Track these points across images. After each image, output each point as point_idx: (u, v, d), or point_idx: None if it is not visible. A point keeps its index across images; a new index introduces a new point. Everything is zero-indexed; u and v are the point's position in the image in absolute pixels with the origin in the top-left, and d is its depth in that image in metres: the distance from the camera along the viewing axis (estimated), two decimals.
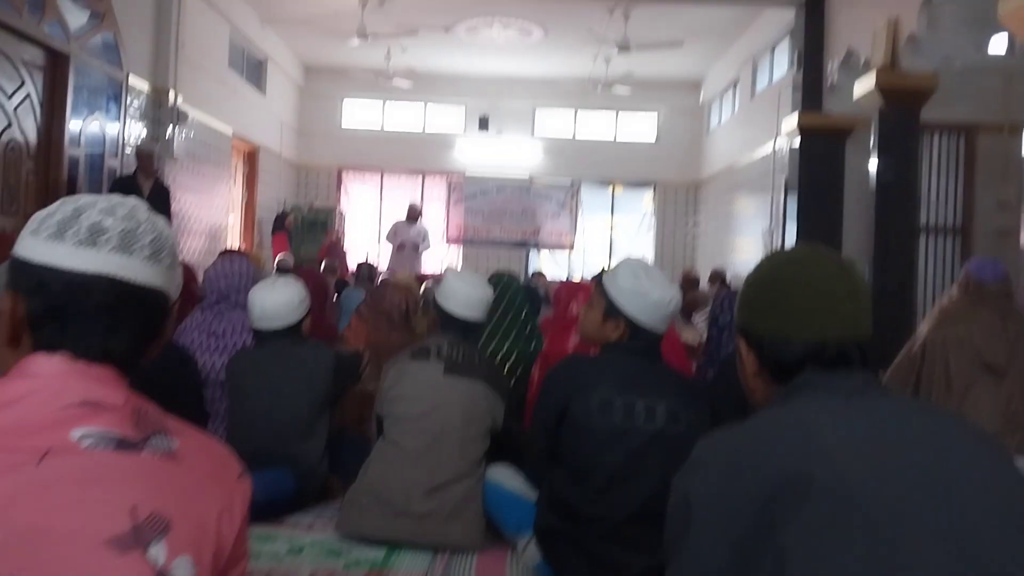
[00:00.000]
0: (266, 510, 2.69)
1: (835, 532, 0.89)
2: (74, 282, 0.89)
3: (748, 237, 10.50)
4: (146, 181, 6.62)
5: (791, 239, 7.95)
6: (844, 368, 1.08)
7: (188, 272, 4.27)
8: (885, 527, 0.89)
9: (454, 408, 2.62)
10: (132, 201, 0.97)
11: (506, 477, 2.66)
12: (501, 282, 3.55)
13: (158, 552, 0.77)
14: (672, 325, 3.51)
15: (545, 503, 2.35)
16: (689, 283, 8.62)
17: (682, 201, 13.91)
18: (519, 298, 3.54)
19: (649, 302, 2.26)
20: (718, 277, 9.15)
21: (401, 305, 3.81)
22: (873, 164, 6.21)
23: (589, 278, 11.07)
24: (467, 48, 11.82)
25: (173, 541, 0.79)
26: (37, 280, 0.89)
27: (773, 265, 1.17)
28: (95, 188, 6.88)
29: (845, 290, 1.11)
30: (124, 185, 6.47)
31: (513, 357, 3.56)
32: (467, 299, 2.79)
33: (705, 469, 1.01)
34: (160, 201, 6.61)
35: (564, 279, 11.62)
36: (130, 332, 0.93)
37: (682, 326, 5.82)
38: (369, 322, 3.82)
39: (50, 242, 0.90)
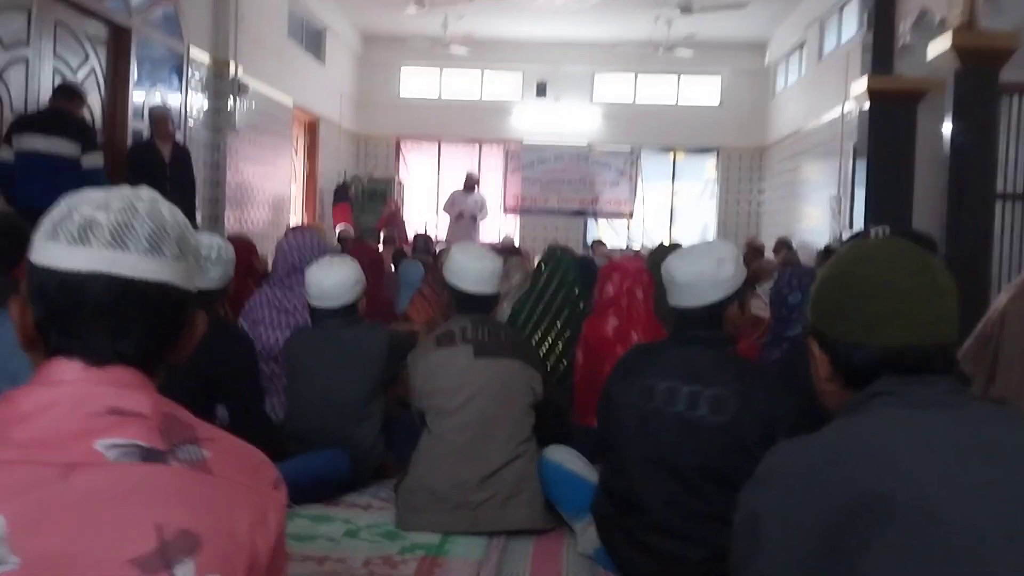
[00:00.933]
0: (323, 490, 2.71)
1: (917, 558, 0.84)
2: (68, 282, 0.84)
3: (815, 205, 10.20)
4: (164, 145, 6.22)
5: (860, 207, 7.68)
6: (925, 375, 1.00)
7: (248, 246, 4.30)
8: (971, 554, 0.83)
9: (492, 392, 2.57)
10: (133, 192, 0.91)
11: (566, 457, 2.62)
12: (552, 259, 3.48)
13: (186, 572, 0.75)
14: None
15: (602, 492, 2.31)
16: (754, 252, 8.44)
17: (746, 167, 13.58)
18: (571, 275, 3.46)
19: (665, 280, 2.19)
20: (784, 246, 8.91)
21: None
22: (947, 128, 5.93)
23: (640, 251, 10.94)
24: (524, 13, 11.63)
25: (203, 559, 0.76)
26: (37, 283, 0.86)
27: (847, 261, 1.08)
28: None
29: (927, 290, 1.02)
30: (141, 151, 6.19)
31: (565, 337, 3.50)
32: (479, 274, 2.70)
33: (774, 485, 0.96)
34: (181, 164, 6.35)
35: (622, 249, 11.49)
36: (140, 332, 0.87)
37: (747, 297, 5.68)
38: (432, 299, 3.80)
39: (46, 242, 0.86)
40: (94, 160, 4.93)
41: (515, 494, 2.54)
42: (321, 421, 2.82)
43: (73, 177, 4.61)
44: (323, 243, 3.37)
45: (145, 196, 0.91)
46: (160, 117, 6.27)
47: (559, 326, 3.50)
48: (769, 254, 8.80)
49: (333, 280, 2.84)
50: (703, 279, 2.11)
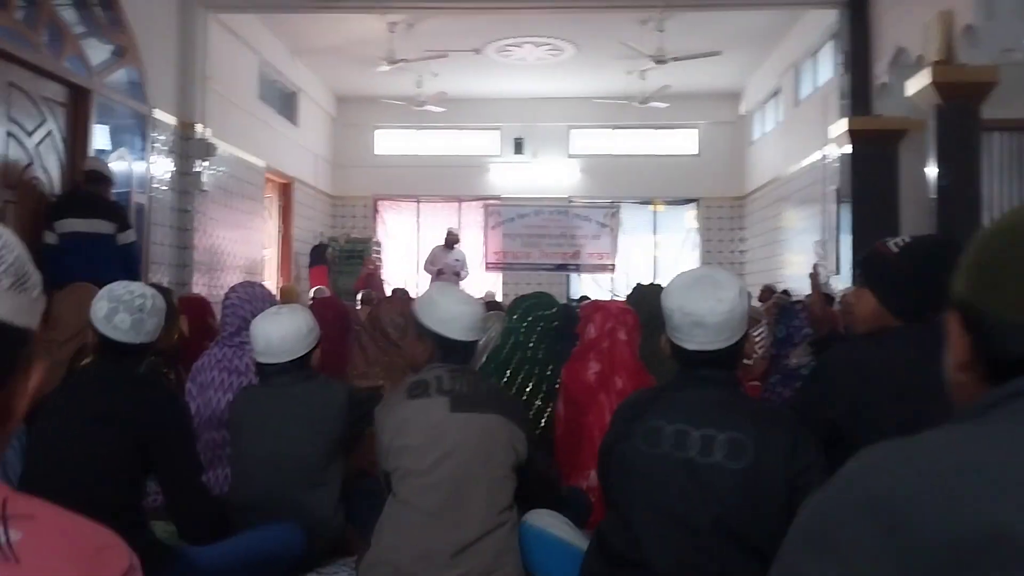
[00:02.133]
0: (274, 569, 2.41)
1: None
2: None
3: (798, 251, 10.08)
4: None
5: (845, 250, 7.54)
6: None
7: (202, 303, 4.06)
8: None
9: (469, 451, 2.26)
10: None
11: (550, 522, 2.35)
12: (525, 304, 3.24)
13: None
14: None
15: (595, 548, 2.03)
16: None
17: (727, 216, 13.53)
18: (552, 322, 3.22)
19: (666, 317, 1.94)
20: (770, 293, 8.73)
21: (397, 319, 3.53)
22: (931, 167, 5.82)
23: (618, 296, 10.76)
24: (498, 69, 11.65)
25: None
26: None
27: (1019, 219, 0.81)
28: None
29: None
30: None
31: (543, 390, 3.25)
32: (464, 319, 2.42)
33: (852, 517, 0.70)
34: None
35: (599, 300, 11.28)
36: None
37: (749, 335, 5.47)
38: (368, 345, 3.54)
39: None
40: (128, 236, 5.70)
41: (493, 570, 2.24)
42: (269, 488, 2.54)
43: (111, 251, 5.46)
44: (273, 296, 3.14)
45: None
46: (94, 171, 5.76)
47: (536, 377, 3.25)
48: (755, 302, 8.62)
49: (281, 331, 2.58)
50: (734, 316, 1.87)
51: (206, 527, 2.34)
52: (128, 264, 5.61)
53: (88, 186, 5.62)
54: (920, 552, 0.65)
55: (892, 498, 0.68)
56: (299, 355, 2.62)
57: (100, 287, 2.32)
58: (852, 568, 0.67)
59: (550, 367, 3.20)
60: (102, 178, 5.69)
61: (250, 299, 3.05)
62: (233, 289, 3.12)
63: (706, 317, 1.87)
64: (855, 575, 0.67)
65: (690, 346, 1.91)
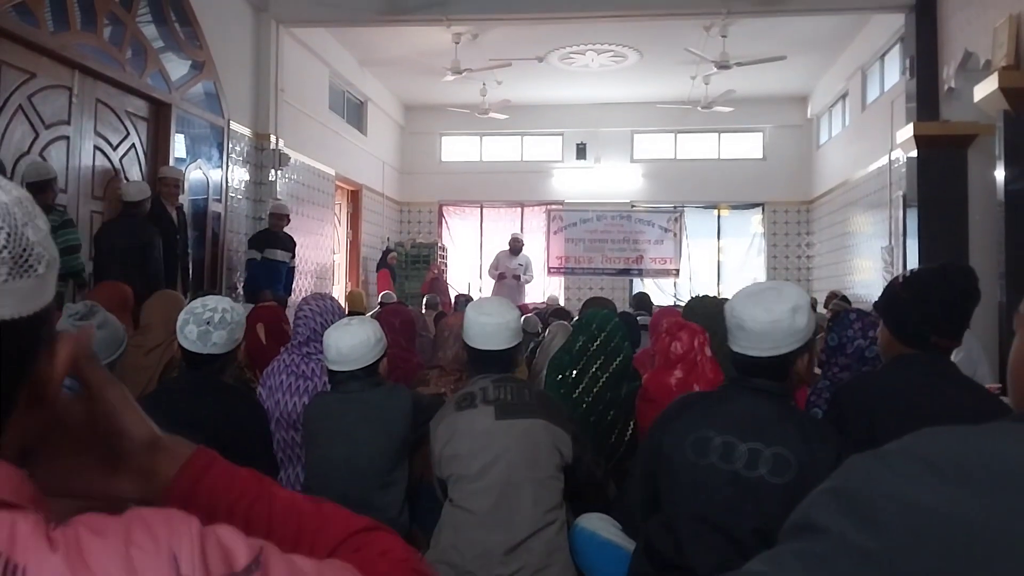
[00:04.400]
0: None
1: None
2: None
3: (866, 257, 9.92)
4: (171, 206, 6.16)
5: (912, 256, 7.41)
6: None
7: (276, 312, 4.25)
8: None
9: (516, 455, 2.39)
10: None
11: (600, 525, 2.43)
12: (597, 317, 3.32)
13: None
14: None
15: (642, 551, 2.11)
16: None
17: (793, 221, 13.36)
18: (616, 336, 3.28)
19: (729, 325, 2.01)
20: (835, 298, 8.63)
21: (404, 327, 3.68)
22: (999, 173, 5.70)
23: (681, 302, 10.69)
24: (561, 77, 11.74)
25: None
26: None
27: None
28: (199, 232, 7.08)
29: None
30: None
31: (608, 400, 3.31)
32: (493, 330, 2.55)
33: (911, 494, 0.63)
34: (180, 224, 6.32)
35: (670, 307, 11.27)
36: None
37: (814, 350, 5.45)
38: (400, 358, 3.69)
39: None
40: (294, 262, 7.86)
41: (545, 566, 2.35)
42: (343, 489, 2.68)
43: (285, 273, 7.68)
44: (342, 308, 3.30)
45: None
46: (171, 180, 6.19)
47: (599, 391, 3.30)
48: (821, 308, 8.52)
49: (351, 341, 2.73)
50: (778, 328, 1.93)
51: None
52: (288, 282, 7.74)
53: (276, 222, 7.64)
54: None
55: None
56: (368, 363, 2.76)
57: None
58: (894, 547, 0.60)
59: (620, 379, 3.24)
60: (285, 218, 7.73)
61: (321, 312, 3.21)
62: (306, 301, 3.28)
63: (747, 322, 1.95)
64: (897, 557, 0.60)
65: (735, 348, 2.00)
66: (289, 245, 7.74)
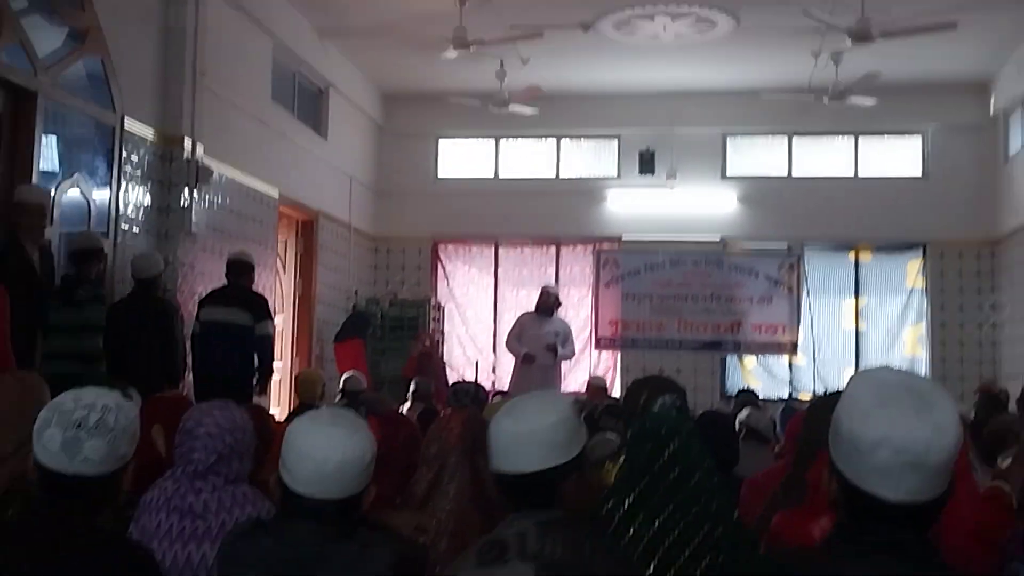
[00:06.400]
0: None
1: None
2: None
3: None
4: (31, 244, 6.19)
5: None
6: None
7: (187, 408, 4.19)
8: None
9: None
10: None
11: None
12: (657, 423, 3.22)
13: None
14: (966, 475, 3.06)
15: None
16: (992, 403, 8.07)
17: (971, 270, 13.28)
18: (692, 451, 3.19)
19: (854, 449, 1.93)
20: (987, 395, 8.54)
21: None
22: None
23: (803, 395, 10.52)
24: (617, 53, 11.80)
25: None
26: None
27: None
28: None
29: None
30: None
31: (690, 540, 3.22)
32: (516, 439, 2.45)
33: None
34: (45, 273, 6.37)
35: (784, 400, 11.14)
36: None
37: (980, 475, 5.33)
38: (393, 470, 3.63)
39: None
40: (265, 328, 8.01)
41: None
42: None
43: (246, 343, 7.82)
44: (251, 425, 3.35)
45: None
46: (34, 206, 6.22)
47: (673, 530, 3.21)
48: (1014, 405, 8.40)
49: (342, 455, 2.60)
50: (954, 452, 1.88)
51: None
52: (263, 357, 8.06)
53: (231, 275, 8.03)
54: None
55: None
56: (352, 494, 2.67)
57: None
58: None
59: (688, 511, 3.16)
60: (247, 268, 8.12)
61: (230, 428, 3.20)
62: (205, 412, 3.26)
63: (928, 455, 1.86)
64: None
65: (894, 496, 1.90)
66: (247, 303, 8.00)
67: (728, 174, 13.79)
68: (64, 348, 6.35)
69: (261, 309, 8.08)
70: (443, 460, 3.47)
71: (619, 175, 13.90)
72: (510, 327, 11.32)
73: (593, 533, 2.64)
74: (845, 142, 13.63)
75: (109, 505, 2.59)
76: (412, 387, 9.07)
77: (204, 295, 8.08)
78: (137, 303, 7.15)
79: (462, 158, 14.33)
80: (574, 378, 12.13)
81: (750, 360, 13.31)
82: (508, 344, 11.16)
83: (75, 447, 2.39)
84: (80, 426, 2.41)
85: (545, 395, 2.73)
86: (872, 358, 13.42)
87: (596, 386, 9.98)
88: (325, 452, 2.61)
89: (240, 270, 8.04)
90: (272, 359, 8.28)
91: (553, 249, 13.95)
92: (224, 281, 8.13)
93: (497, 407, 4.24)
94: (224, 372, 7.61)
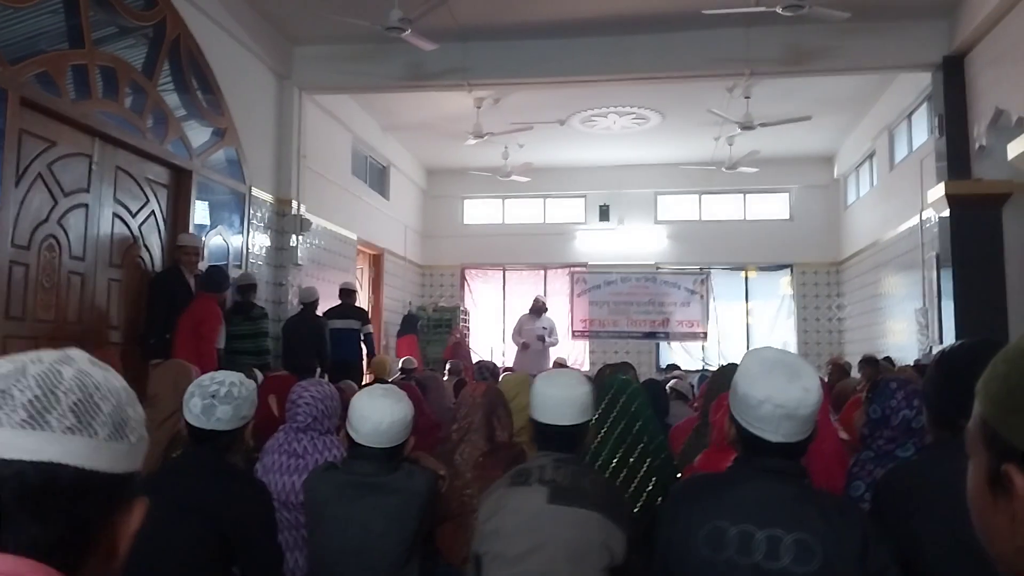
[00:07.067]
0: None
1: None
2: None
3: (899, 319, 9.71)
4: (188, 273, 6.22)
5: (948, 318, 7.23)
6: None
7: (293, 383, 4.15)
8: None
9: (561, 546, 2.16)
10: (62, 354, 0.80)
11: None
12: (614, 384, 3.18)
13: None
14: (826, 422, 3.02)
15: None
16: (838, 372, 7.98)
17: (823, 283, 13.18)
18: (638, 405, 3.14)
19: (746, 404, 1.89)
20: (870, 363, 8.42)
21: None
22: None
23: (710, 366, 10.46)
24: (583, 139, 11.79)
25: None
26: None
27: None
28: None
29: None
30: (164, 279, 6.15)
31: (627, 473, 3.15)
32: (559, 403, 2.36)
33: None
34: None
35: (699, 371, 11.09)
36: (25, 524, 0.73)
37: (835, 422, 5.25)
38: (425, 430, 3.60)
39: None
40: (368, 329, 8.72)
41: None
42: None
43: (357, 340, 8.52)
44: (338, 394, 3.33)
45: (75, 356, 0.81)
46: (190, 247, 6.28)
47: (634, 467, 3.13)
48: (855, 373, 8.30)
49: (392, 417, 2.57)
50: (817, 407, 1.85)
51: None
52: (369, 348, 8.79)
53: (344, 297, 8.75)
54: None
55: None
56: (398, 443, 2.64)
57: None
58: None
59: (645, 456, 3.10)
60: (353, 292, 8.88)
61: (322, 398, 3.18)
62: (304, 387, 3.23)
63: (798, 409, 1.82)
64: None
65: (774, 438, 1.86)
66: (356, 314, 8.72)
67: (659, 219, 13.72)
68: (244, 347, 6.55)
69: (365, 317, 8.79)
70: (471, 418, 3.41)
71: (585, 221, 13.85)
72: (513, 324, 11.27)
73: (590, 468, 2.59)
74: (738, 197, 13.55)
75: (237, 451, 2.56)
76: (448, 366, 9.01)
77: (327, 310, 8.43)
78: (305, 317, 7.82)
79: (480, 211, 14.26)
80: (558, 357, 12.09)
81: (676, 345, 13.24)
82: (513, 336, 11.11)
83: (210, 411, 2.39)
84: (214, 396, 2.39)
85: (572, 372, 2.67)
86: (757, 342, 13.34)
87: (560, 364, 9.99)
88: (379, 415, 2.59)
89: (349, 293, 8.77)
90: (373, 348, 8.87)
91: (542, 272, 13.91)
92: (338, 300, 8.74)
93: (508, 380, 4.22)
94: (346, 359, 8.09)
